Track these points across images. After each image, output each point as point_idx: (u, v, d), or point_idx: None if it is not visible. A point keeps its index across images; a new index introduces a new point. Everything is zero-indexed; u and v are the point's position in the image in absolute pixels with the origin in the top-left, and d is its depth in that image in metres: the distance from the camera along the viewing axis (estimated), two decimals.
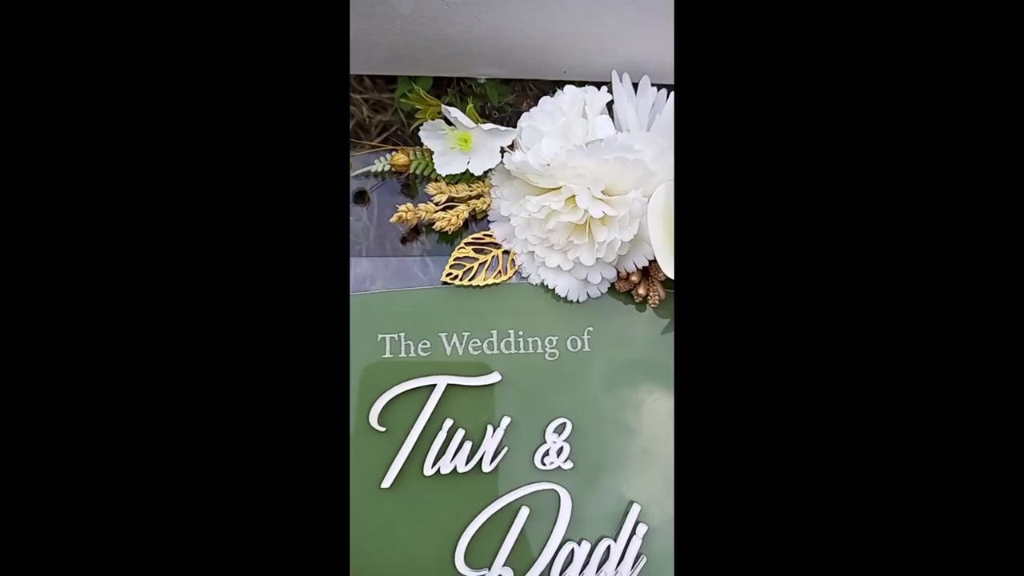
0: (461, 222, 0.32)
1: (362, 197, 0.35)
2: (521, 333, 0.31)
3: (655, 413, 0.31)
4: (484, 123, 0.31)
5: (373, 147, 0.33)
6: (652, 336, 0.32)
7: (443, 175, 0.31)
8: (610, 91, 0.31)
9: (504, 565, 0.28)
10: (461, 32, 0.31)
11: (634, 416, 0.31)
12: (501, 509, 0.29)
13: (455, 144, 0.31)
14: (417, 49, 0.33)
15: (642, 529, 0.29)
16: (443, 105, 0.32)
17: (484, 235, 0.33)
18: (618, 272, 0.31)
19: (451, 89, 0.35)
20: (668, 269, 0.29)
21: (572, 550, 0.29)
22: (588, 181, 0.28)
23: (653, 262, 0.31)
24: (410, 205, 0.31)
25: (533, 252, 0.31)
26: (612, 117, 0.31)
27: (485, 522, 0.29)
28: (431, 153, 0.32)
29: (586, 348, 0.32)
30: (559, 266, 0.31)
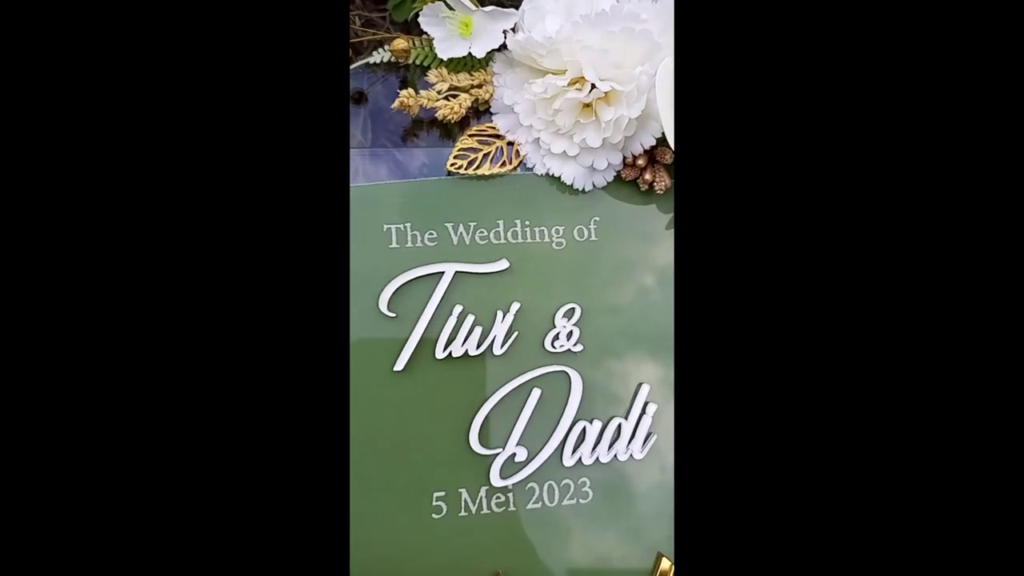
0: (464, 111, 0.31)
1: (360, 98, 0.34)
2: (527, 223, 0.31)
3: (662, 300, 0.31)
4: (486, 6, 0.30)
5: (372, 36, 0.32)
6: (658, 226, 0.32)
7: (445, 60, 0.31)
8: None
9: (518, 444, 0.29)
10: None
11: (641, 302, 0.31)
12: (513, 390, 0.29)
13: (456, 29, 0.30)
14: None
15: (652, 408, 0.30)
16: None
17: (488, 127, 0.32)
18: (624, 158, 0.31)
19: None
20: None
21: (584, 428, 0.29)
22: (594, 55, 0.28)
23: (658, 146, 0.31)
24: (411, 91, 0.30)
25: (538, 139, 0.31)
26: None
27: (498, 403, 0.29)
28: (431, 41, 0.31)
29: (593, 237, 0.32)
30: (565, 151, 0.30)
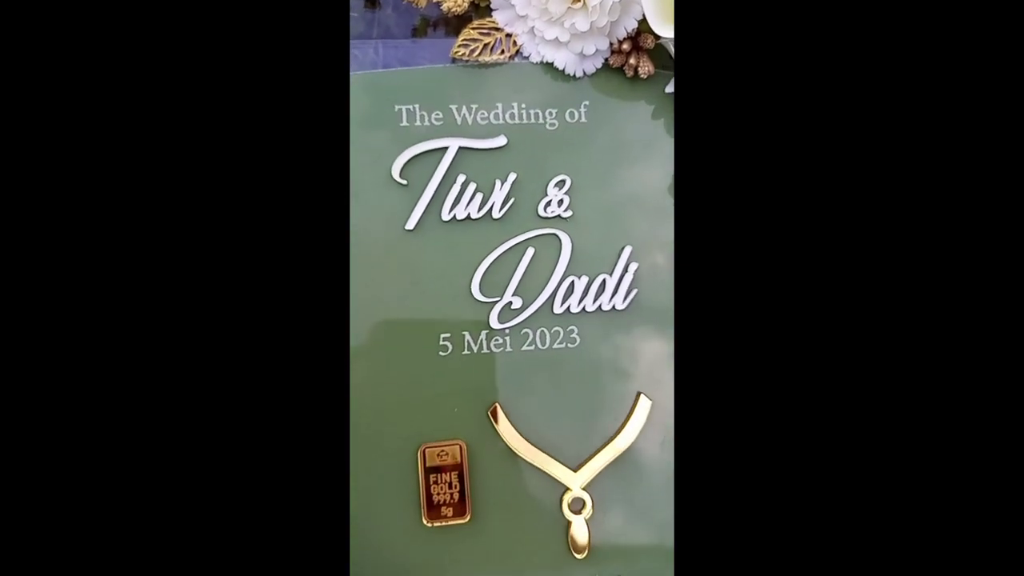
0: (466, 5, 0.35)
1: (374, 4, 0.38)
2: (523, 106, 0.35)
3: (647, 173, 0.35)
4: None
5: None
6: (644, 110, 0.35)
7: None
8: None
9: (514, 294, 0.33)
10: None
11: (627, 174, 0.35)
12: (509, 249, 0.33)
13: None
14: None
15: (633, 267, 0.34)
16: None
17: (488, 21, 0.36)
18: (611, 44, 0.34)
19: None
20: (657, 27, 0.32)
21: (572, 282, 0.33)
22: None
23: (641, 32, 0.34)
24: None
25: (533, 28, 0.34)
26: None
27: (496, 259, 0.33)
28: None
29: (583, 120, 0.35)
30: (557, 38, 0.34)
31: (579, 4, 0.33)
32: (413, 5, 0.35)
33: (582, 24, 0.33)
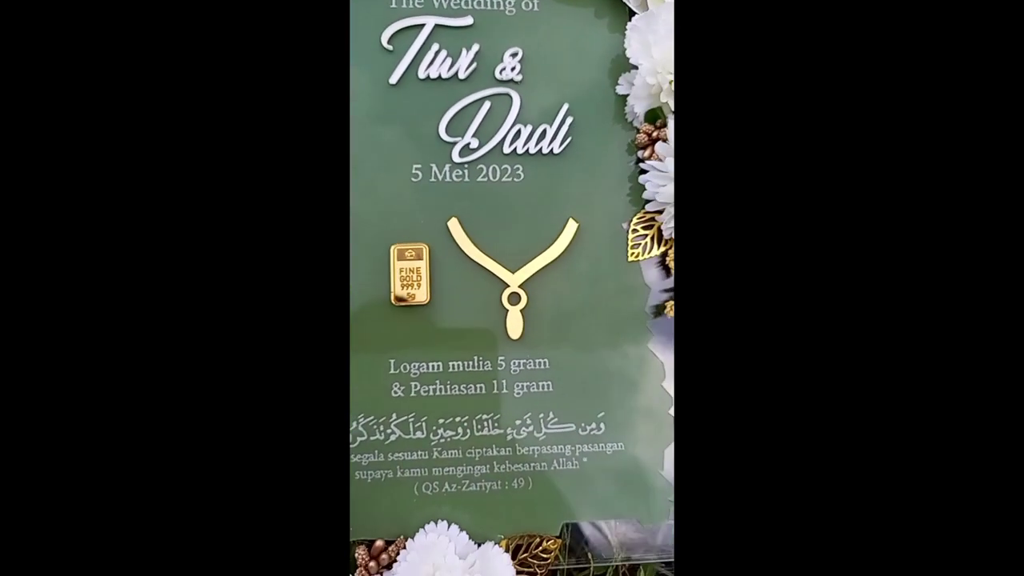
0: None
1: None
2: None
3: (585, 48, 0.43)
4: None
5: None
6: (586, 2, 0.44)
7: None
8: None
9: (472, 136, 0.41)
10: None
11: (568, 49, 0.43)
12: (471, 103, 0.42)
13: None
14: None
15: (569, 120, 0.42)
16: None
17: None
18: None
19: None
20: None
21: (519, 130, 0.42)
22: None
23: None
24: None
25: None
26: None
27: (460, 110, 0.42)
28: None
29: (536, 9, 0.43)
30: None
31: None
32: None
33: None
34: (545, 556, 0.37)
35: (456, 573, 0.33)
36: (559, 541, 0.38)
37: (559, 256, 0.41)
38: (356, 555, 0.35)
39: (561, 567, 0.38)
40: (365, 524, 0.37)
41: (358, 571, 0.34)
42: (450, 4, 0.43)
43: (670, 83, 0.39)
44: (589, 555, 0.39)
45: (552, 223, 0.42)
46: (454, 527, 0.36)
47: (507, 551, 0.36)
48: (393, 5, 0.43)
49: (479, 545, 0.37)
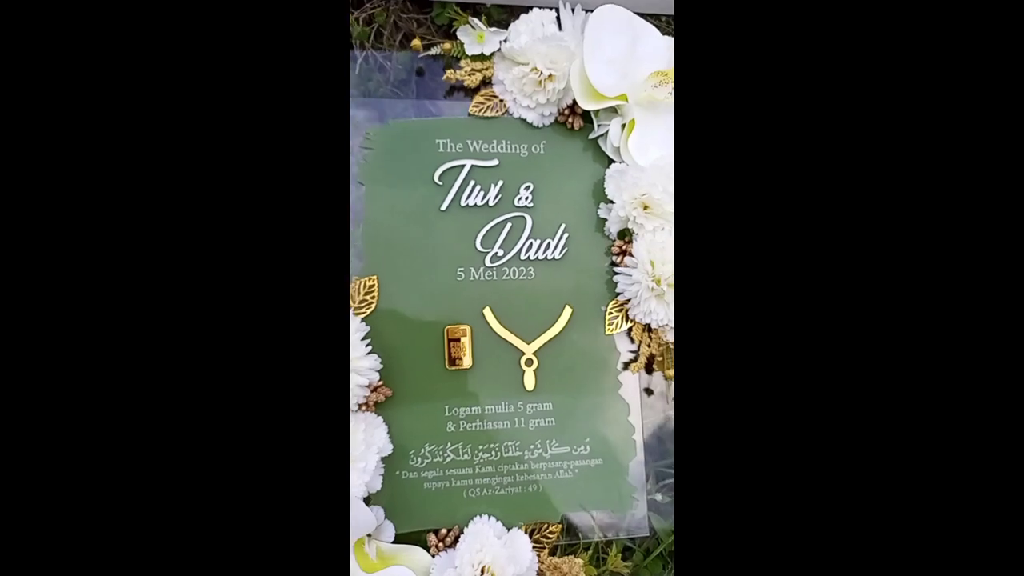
0: (478, 81, 0.60)
1: (421, 71, 0.62)
2: (508, 141, 0.60)
3: (577, 184, 0.60)
4: (491, 28, 0.58)
5: (433, 42, 0.60)
6: (577, 146, 0.61)
7: (469, 55, 0.59)
8: (558, 14, 0.58)
9: (499, 247, 0.59)
10: None
11: (565, 183, 0.60)
12: (497, 223, 0.59)
13: (476, 39, 0.58)
14: None
15: (565, 236, 0.60)
16: (469, 17, 0.59)
17: (489, 92, 0.61)
18: (559, 110, 0.60)
19: (470, 10, 0.62)
20: (582, 102, 0.57)
21: (531, 243, 0.59)
22: (543, 58, 0.56)
23: (574, 102, 0.59)
24: (453, 71, 0.59)
25: (515, 98, 0.59)
26: (559, 26, 0.59)
27: (489, 228, 0.59)
28: (463, 44, 0.59)
29: (542, 152, 0.61)
30: (528, 105, 0.59)
31: (541, 87, 0.58)
32: (448, 81, 0.60)
33: (542, 99, 0.59)
34: (550, 536, 0.56)
35: (496, 548, 0.51)
36: (560, 525, 0.56)
37: (559, 332, 0.59)
38: (427, 538, 0.53)
39: (561, 543, 0.57)
40: (431, 518, 0.55)
41: (432, 548, 0.52)
42: (481, 149, 0.60)
43: (636, 213, 0.57)
44: (579, 534, 0.58)
45: (554, 309, 0.60)
46: (492, 518, 0.54)
47: (526, 533, 0.54)
48: (440, 150, 0.59)
49: (508, 529, 0.55)
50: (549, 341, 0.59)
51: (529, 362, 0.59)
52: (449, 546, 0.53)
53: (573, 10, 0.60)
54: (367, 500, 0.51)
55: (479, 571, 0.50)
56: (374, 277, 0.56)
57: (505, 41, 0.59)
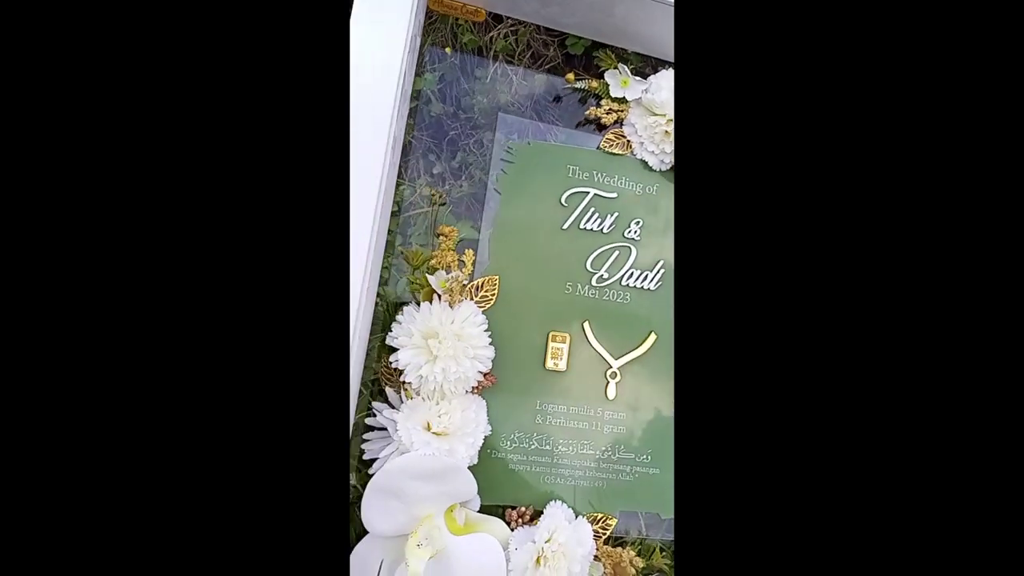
0: (614, 119, 0.67)
1: (558, 99, 0.69)
2: (628, 179, 0.68)
3: None
4: (635, 76, 0.65)
5: (583, 76, 0.67)
6: None
7: (612, 96, 0.66)
8: None
9: (605, 270, 0.66)
10: (636, 30, 0.65)
11: (669, 223, 0.68)
12: (606, 248, 0.66)
13: (620, 83, 0.65)
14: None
15: (662, 271, 0.67)
16: (618, 63, 0.66)
17: (619, 131, 0.68)
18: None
19: (619, 55, 0.69)
20: None
21: (633, 272, 0.67)
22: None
23: None
24: (595, 108, 0.66)
25: (643, 142, 0.67)
26: None
27: (599, 252, 0.66)
28: (607, 84, 0.66)
29: (654, 192, 0.68)
30: (652, 151, 0.66)
31: (668, 137, 0.66)
32: (589, 116, 0.67)
33: (667, 148, 0.66)
34: (607, 527, 0.64)
35: (567, 531, 0.59)
36: (615, 520, 0.64)
37: (643, 353, 0.67)
38: (507, 513, 0.60)
39: (614, 535, 0.65)
40: (512, 496, 0.62)
41: (511, 523, 0.59)
42: (604, 180, 0.67)
43: None
44: (627, 530, 0.66)
45: (641, 332, 0.67)
46: (564, 504, 0.62)
47: (590, 522, 0.62)
48: (570, 175, 0.66)
49: (576, 516, 0.62)
50: (633, 360, 0.67)
51: (614, 375, 0.66)
52: (527, 523, 0.61)
53: None
54: (472, 469, 0.58)
55: (556, 547, 0.57)
56: (496, 276, 0.63)
57: (647, 91, 0.66)
